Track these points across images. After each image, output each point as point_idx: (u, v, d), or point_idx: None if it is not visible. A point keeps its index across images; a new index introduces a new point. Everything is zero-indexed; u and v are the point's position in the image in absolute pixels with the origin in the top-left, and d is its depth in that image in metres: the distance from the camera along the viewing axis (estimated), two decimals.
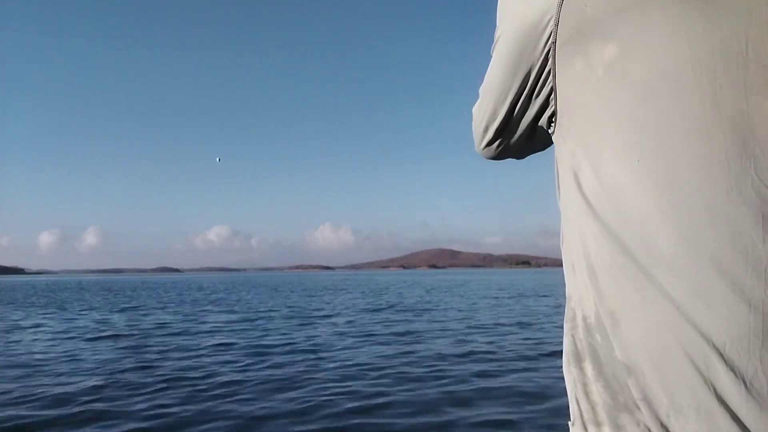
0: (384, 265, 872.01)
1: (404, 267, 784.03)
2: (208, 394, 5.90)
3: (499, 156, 0.81)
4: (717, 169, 0.50)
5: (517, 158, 0.84)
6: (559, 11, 0.59)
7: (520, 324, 12.82)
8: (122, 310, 19.21)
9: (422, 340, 10.14)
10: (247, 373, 7.01)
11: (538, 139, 0.74)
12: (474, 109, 0.79)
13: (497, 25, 0.70)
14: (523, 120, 0.71)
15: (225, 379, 6.67)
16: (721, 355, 0.49)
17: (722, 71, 0.51)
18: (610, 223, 0.57)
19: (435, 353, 8.35)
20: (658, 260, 0.53)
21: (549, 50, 0.61)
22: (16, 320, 15.83)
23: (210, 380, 6.58)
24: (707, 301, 0.50)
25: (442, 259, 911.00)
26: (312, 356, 8.31)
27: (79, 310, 19.61)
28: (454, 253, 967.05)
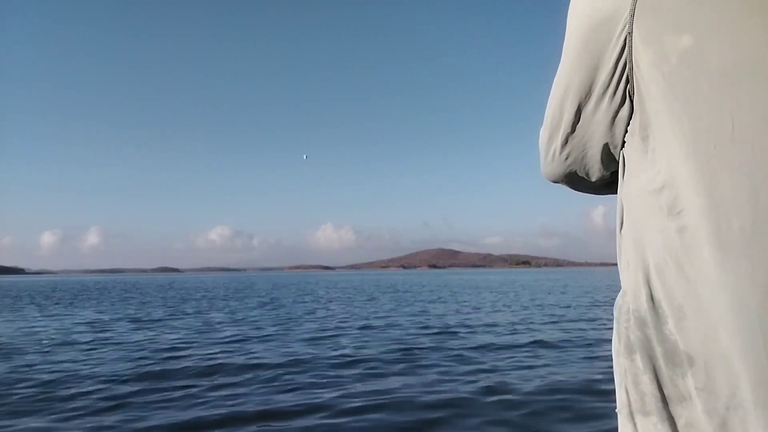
0: (384, 265, 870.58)
1: (404, 267, 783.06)
2: None
3: (568, 173, 0.75)
4: None
5: (590, 185, 0.78)
6: (634, 3, 0.59)
7: None
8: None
9: None
10: None
11: (610, 160, 0.71)
12: (542, 129, 0.76)
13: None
14: (593, 121, 0.68)
15: None
16: None
17: None
18: (683, 216, 0.56)
19: None
20: (732, 251, 0.52)
21: (624, 43, 0.61)
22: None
23: None
24: None
25: (442, 259, 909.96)
26: None
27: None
28: (454, 253, 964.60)
